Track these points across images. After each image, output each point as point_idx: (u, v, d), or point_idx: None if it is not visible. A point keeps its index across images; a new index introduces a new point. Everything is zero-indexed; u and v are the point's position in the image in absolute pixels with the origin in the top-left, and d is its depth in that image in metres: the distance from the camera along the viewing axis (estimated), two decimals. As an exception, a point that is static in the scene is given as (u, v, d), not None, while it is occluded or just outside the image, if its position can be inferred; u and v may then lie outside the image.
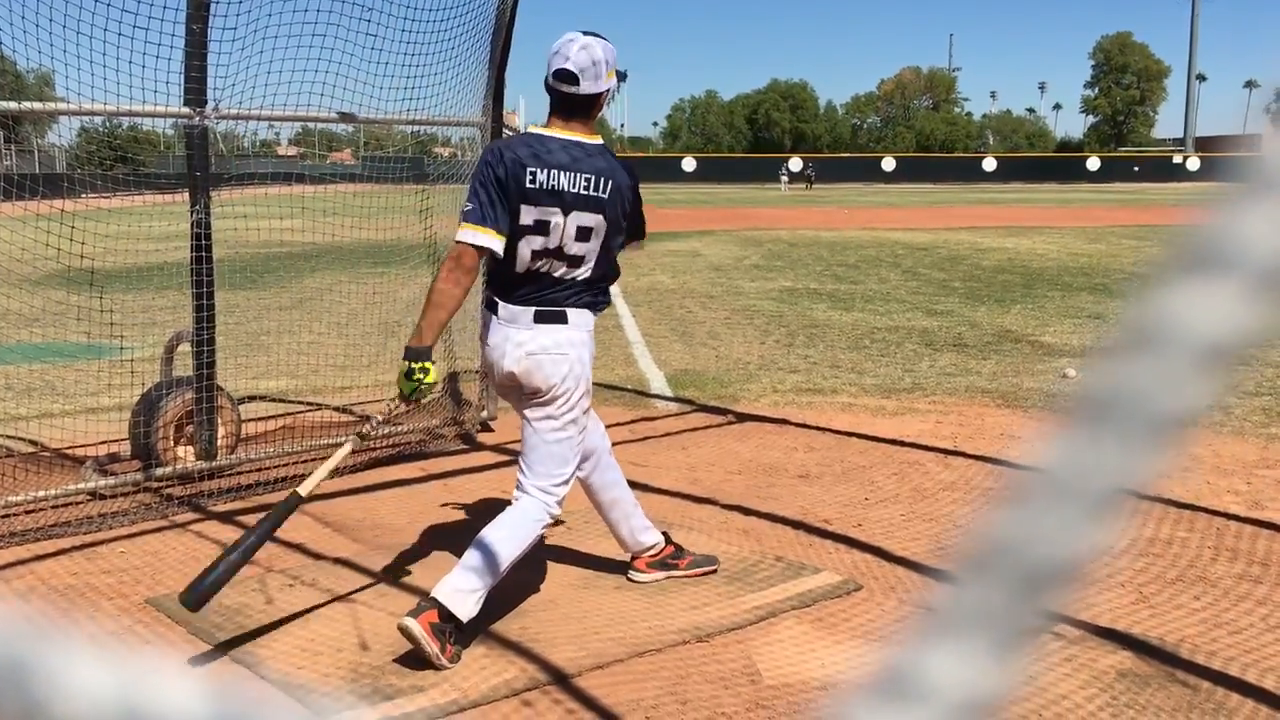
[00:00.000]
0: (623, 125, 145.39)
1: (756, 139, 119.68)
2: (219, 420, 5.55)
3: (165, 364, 5.70)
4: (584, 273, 3.80)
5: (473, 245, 3.66)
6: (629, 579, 4.32)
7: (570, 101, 3.79)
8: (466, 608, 3.56)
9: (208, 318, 5.37)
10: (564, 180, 3.72)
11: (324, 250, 6.81)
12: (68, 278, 5.35)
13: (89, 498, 5.18)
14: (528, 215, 3.71)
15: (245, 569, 4.43)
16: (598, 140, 3.87)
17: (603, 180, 3.76)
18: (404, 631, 3.50)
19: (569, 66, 3.73)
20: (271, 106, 5.53)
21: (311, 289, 12.02)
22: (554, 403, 3.80)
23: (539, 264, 3.75)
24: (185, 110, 5.18)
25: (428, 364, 3.67)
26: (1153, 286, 0.35)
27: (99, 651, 0.40)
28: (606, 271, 3.87)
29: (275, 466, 5.72)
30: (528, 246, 3.73)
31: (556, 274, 3.77)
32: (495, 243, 3.68)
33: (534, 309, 3.77)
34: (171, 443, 5.46)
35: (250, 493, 5.40)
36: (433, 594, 3.57)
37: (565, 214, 3.72)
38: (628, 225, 3.90)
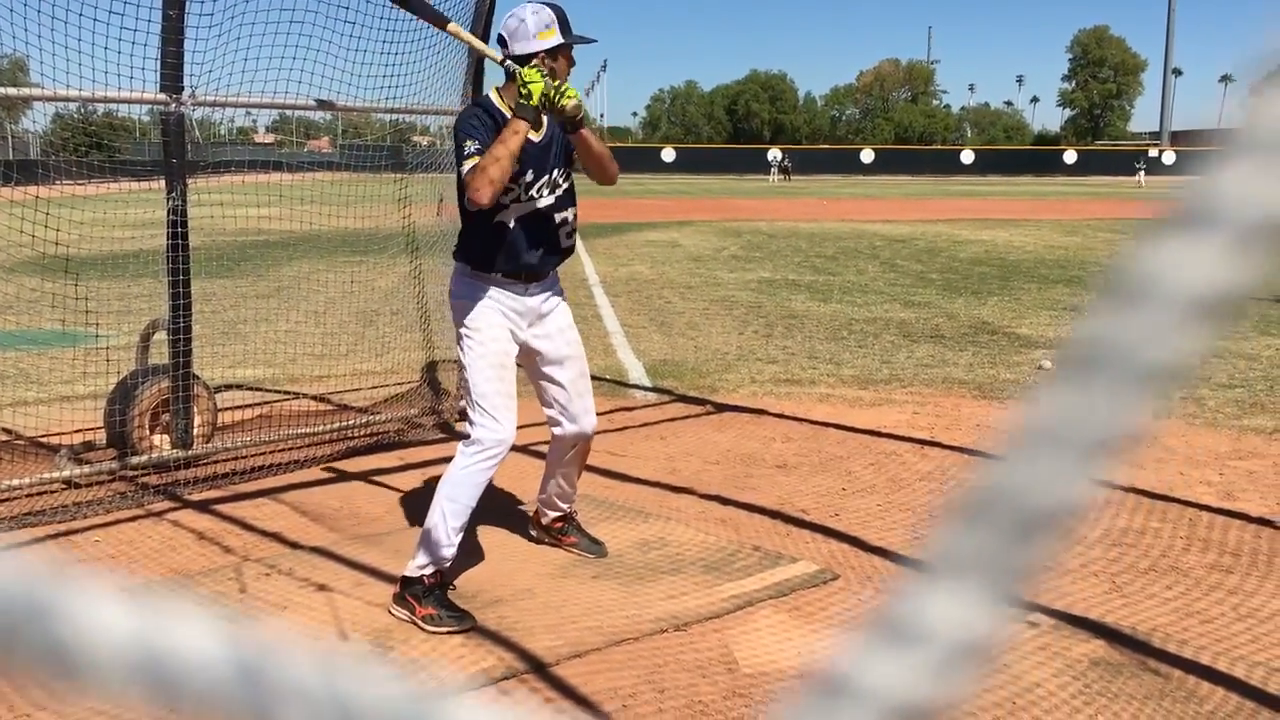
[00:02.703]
0: (602, 115, 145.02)
1: (736, 130, 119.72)
2: (195, 409, 5.52)
3: (141, 352, 5.66)
4: (461, 224, 4.08)
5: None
6: (529, 531, 4.62)
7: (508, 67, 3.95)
8: (423, 560, 3.82)
9: (184, 305, 5.34)
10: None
11: (301, 238, 6.80)
12: (42, 265, 5.31)
13: (63, 486, 5.15)
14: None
15: (221, 558, 4.42)
16: (489, 95, 4.05)
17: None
18: (391, 613, 3.86)
19: (501, 32, 3.96)
20: (249, 93, 5.49)
21: (289, 277, 11.95)
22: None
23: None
24: (161, 97, 5.14)
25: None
26: (1143, 242, 0.36)
27: (119, 595, 0.41)
28: (467, 217, 4.00)
29: (251, 455, 5.69)
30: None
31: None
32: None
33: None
34: (147, 431, 5.43)
35: (226, 481, 5.38)
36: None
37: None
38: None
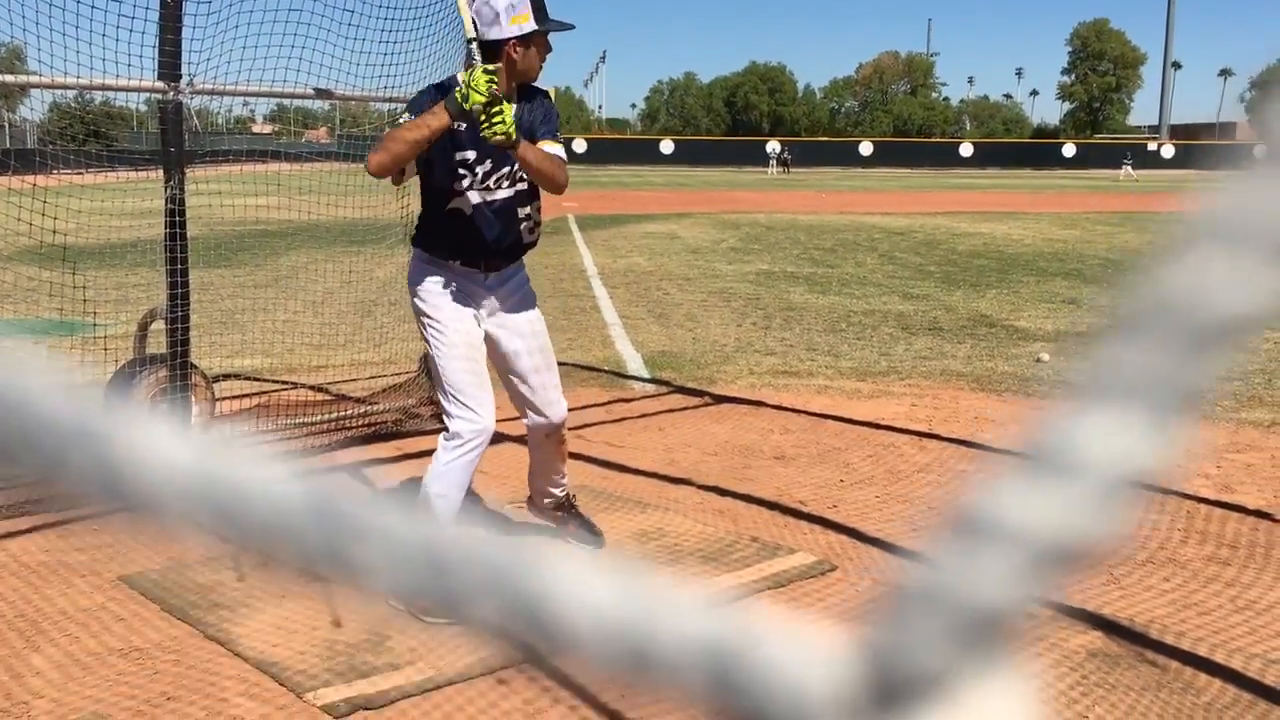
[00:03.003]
0: (600, 107, 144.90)
1: (735, 122, 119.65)
2: (193, 398, 5.51)
3: (139, 341, 5.65)
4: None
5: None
6: (522, 507, 4.58)
7: (480, 50, 3.76)
8: None
9: (182, 295, 5.33)
10: None
11: (300, 228, 6.80)
12: (40, 254, 5.30)
13: (61, 475, 5.14)
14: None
15: (219, 546, 4.42)
16: (457, 77, 3.85)
17: None
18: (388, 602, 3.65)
19: (471, 12, 3.76)
20: (247, 82, 5.48)
21: (287, 267, 11.94)
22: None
23: None
24: (159, 85, 5.12)
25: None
26: (1228, 185, 0.32)
27: (178, 427, 0.39)
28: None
29: (249, 445, 5.68)
30: None
31: None
32: None
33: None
34: (145, 420, 5.42)
35: (224, 471, 5.37)
36: None
37: None
38: None
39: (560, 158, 3.82)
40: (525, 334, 4.06)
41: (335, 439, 5.94)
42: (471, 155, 3.82)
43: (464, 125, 3.64)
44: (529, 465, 4.44)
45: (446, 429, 3.86)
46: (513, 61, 3.76)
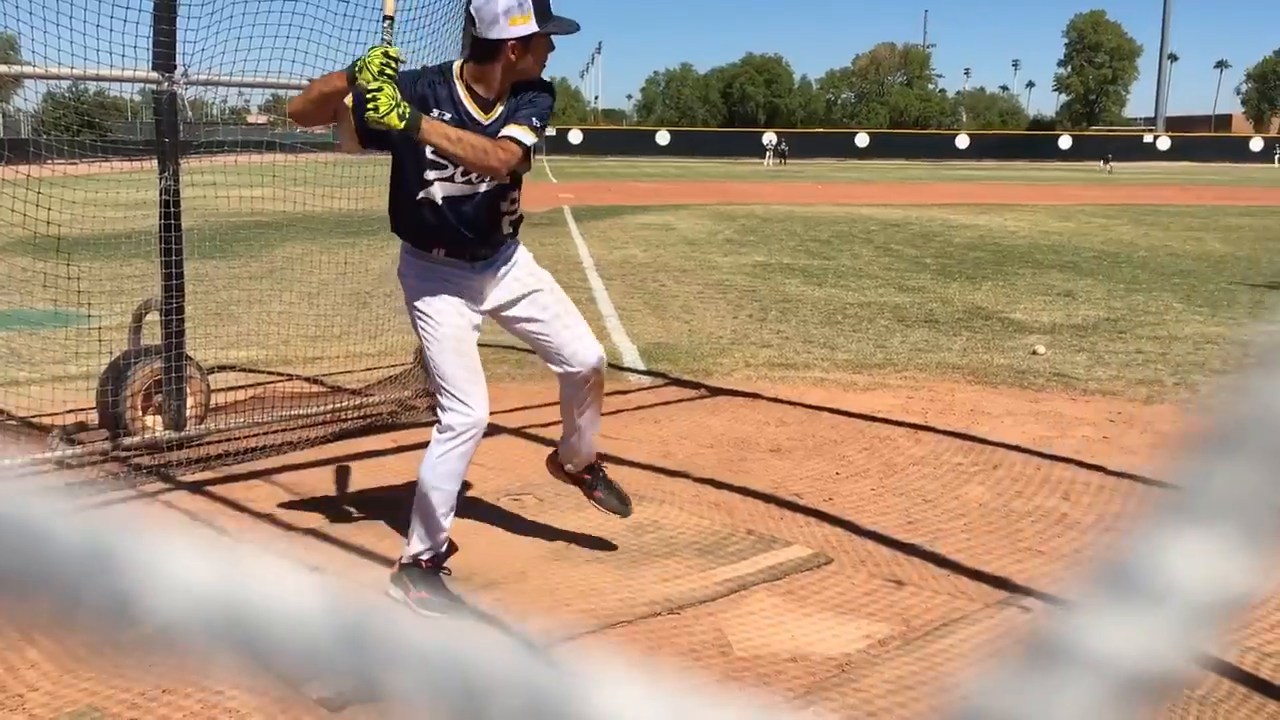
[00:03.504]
0: (597, 98, 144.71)
1: (731, 113, 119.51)
2: (188, 390, 5.50)
3: (133, 333, 5.64)
4: None
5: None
6: (545, 464, 4.50)
7: (474, 44, 3.72)
8: (415, 546, 3.83)
9: (176, 286, 5.31)
10: None
11: (295, 220, 6.76)
12: (34, 244, 5.29)
13: (56, 467, 5.13)
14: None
15: (213, 539, 4.41)
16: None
17: None
18: (387, 594, 3.81)
19: (470, 8, 3.71)
20: (242, 73, 5.46)
21: (282, 258, 11.91)
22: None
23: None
24: (154, 75, 5.10)
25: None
26: None
27: (200, 544, 0.36)
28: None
29: (245, 437, 5.68)
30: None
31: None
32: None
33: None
34: (139, 412, 5.41)
35: (219, 463, 5.37)
36: None
37: None
38: None
39: (512, 138, 3.63)
40: (535, 295, 3.96)
41: (331, 431, 5.93)
42: (437, 174, 3.74)
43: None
44: (563, 427, 4.27)
45: (439, 421, 3.84)
46: (510, 62, 3.67)
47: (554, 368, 4.06)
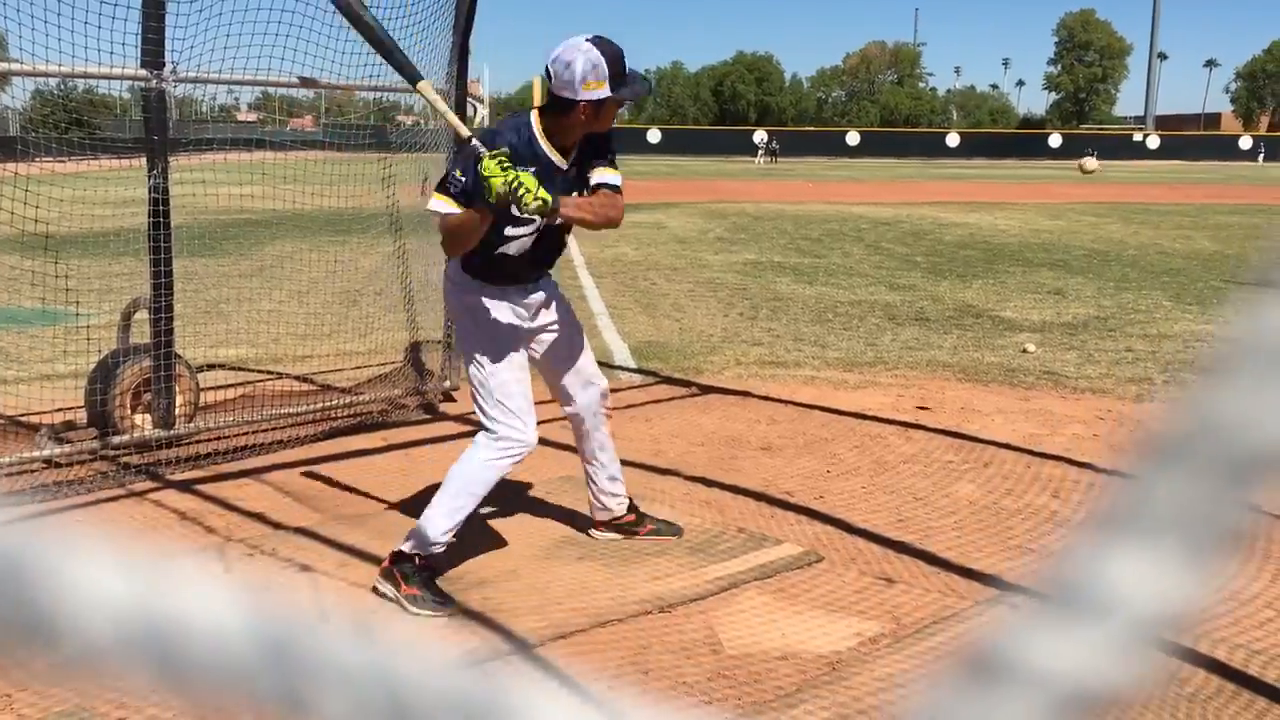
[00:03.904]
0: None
1: (722, 111, 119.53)
2: (177, 388, 5.48)
3: (122, 331, 5.61)
4: None
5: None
6: (588, 534, 4.46)
7: (551, 95, 3.87)
8: (420, 541, 3.80)
9: (165, 284, 5.29)
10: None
11: (284, 217, 6.73)
12: (22, 242, 5.26)
13: (44, 465, 5.11)
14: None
15: (203, 538, 4.40)
16: (529, 117, 3.90)
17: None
18: (375, 590, 3.83)
19: (548, 63, 3.82)
20: (231, 70, 5.43)
21: (271, 256, 11.88)
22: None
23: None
24: (142, 73, 5.08)
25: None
26: None
27: (117, 556, 0.35)
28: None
29: (234, 435, 5.66)
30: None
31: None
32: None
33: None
34: (128, 411, 5.39)
35: (208, 461, 5.35)
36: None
37: None
38: None
39: (612, 186, 3.95)
40: (568, 323, 4.23)
41: (321, 430, 5.92)
42: (522, 230, 3.89)
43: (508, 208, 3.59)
44: (588, 477, 4.40)
45: (490, 430, 3.91)
46: (582, 121, 3.83)
47: (570, 396, 4.26)
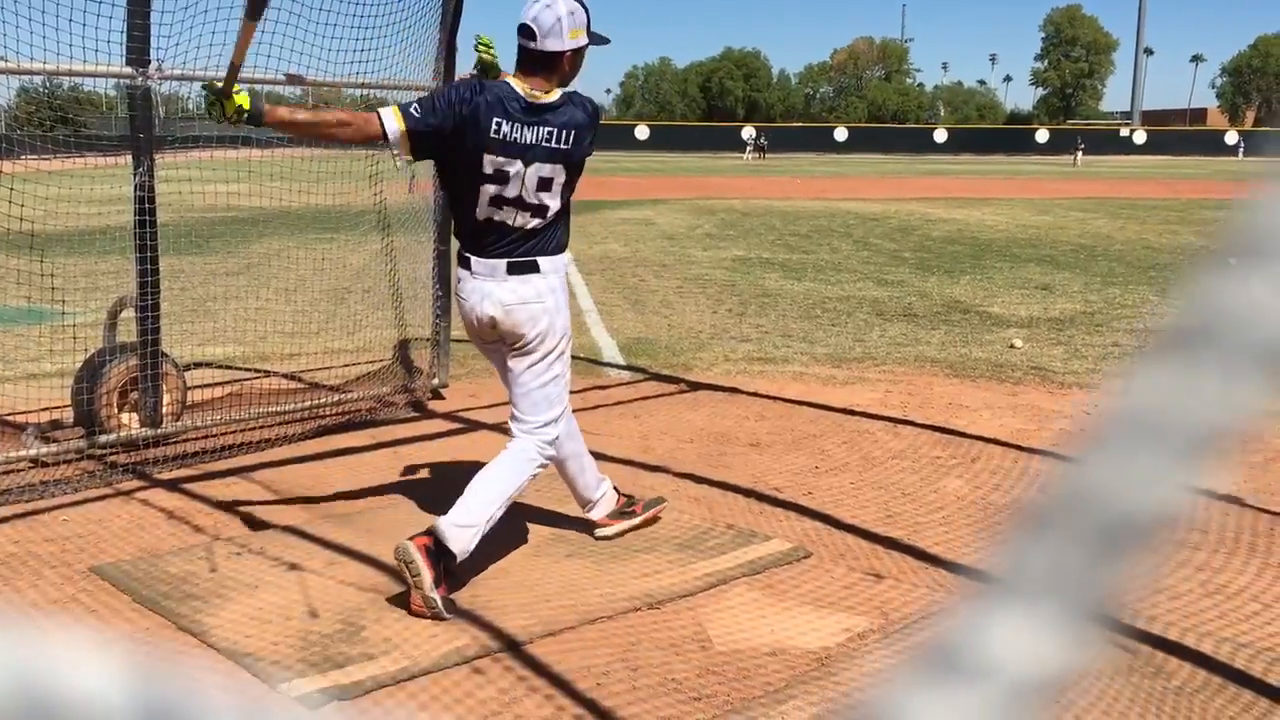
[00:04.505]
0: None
1: (710, 107, 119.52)
2: (164, 387, 5.46)
3: (108, 329, 5.59)
4: (545, 220, 3.95)
5: (384, 125, 3.90)
6: (595, 537, 4.41)
7: (529, 57, 3.91)
8: (461, 541, 3.70)
9: (152, 283, 5.27)
10: (529, 134, 3.86)
11: (271, 215, 6.73)
12: (7, 240, 5.23)
13: (30, 465, 5.09)
14: (489, 164, 3.86)
15: (191, 537, 4.38)
16: (554, 96, 3.95)
17: (563, 132, 3.90)
18: (400, 554, 3.62)
19: (527, 21, 3.86)
20: (217, 67, 5.40)
21: (258, 254, 11.84)
22: (538, 350, 3.98)
23: (500, 213, 3.90)
24: (127, 70, 5.06)
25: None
26: (1259, 202, 0.31)
27: None
28: (564, 208, 4.01)
29: (221, 434, 5.65)
30: (486, 194, 3.88)
31: (518, 223, 3.92)
32: (395, 129, 3.90)
33: (505, 261, 3.92)
34: (115, 409, 5.37)
35: (196, 460, 5.33)
36: (431, 525, 3.72)
37: (526, 165, 3.86)
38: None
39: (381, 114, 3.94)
40: None
41: (309, 428, 5.90)
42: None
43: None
44: (571, 476, 4.39)
45: (543, 439, 4.00)
46: (565, 72, 3.94)
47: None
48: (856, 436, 5.89)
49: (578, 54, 3.95)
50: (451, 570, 3.72)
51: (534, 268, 3.93)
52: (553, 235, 3.97)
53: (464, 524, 3.72)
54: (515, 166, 3.85)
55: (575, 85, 4.06)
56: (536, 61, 3.89)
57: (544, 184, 3.89)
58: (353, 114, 4.05)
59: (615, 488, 4.52)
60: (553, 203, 3.92)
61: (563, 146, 3.89)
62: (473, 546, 3.75)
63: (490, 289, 3.92)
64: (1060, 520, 0.30)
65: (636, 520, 4.45)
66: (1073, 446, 0.31)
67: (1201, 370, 0.30)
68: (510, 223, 3.90)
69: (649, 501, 4.56)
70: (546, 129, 3.86)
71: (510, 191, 3.87)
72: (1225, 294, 0.31)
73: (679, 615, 3.72)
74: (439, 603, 3.58)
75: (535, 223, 3.92)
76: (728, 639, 3.55)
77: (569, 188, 3.98)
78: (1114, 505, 0.30)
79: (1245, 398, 0.30)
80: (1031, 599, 0.30)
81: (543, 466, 4.04)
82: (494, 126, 3.83)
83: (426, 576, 3.57)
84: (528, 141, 3.85)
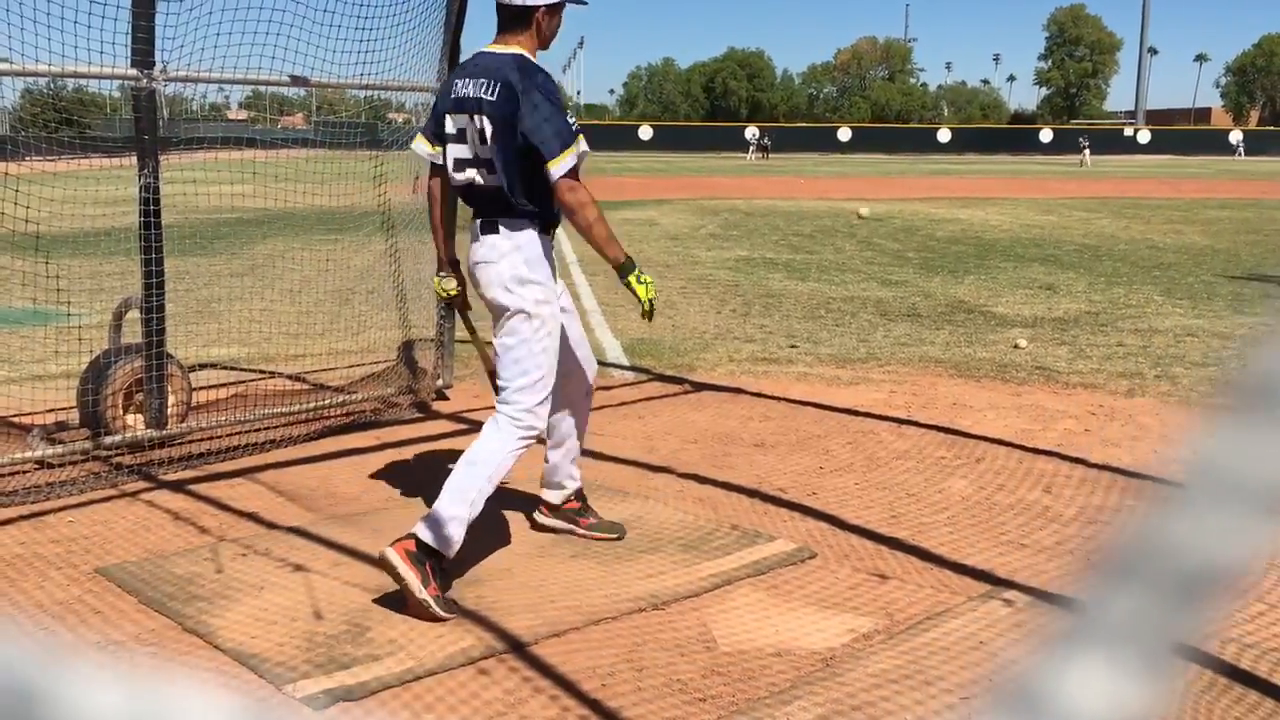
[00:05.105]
0: (579, 93, 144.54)
1: (713, 108, 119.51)
2: (169, 388, 5.47)
3: (114, 331, 5.60)
4: (500, 180, 3.87)
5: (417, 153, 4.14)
6: (531, 518, 4.49)
7: (502, 14, 3.95)
8: (443, 537, 3.66)
9: (157, 284, 5.28)
10: (471, 87, 3.90)
11: (276, 216, 6.73)
12: (12, 242, 5.24)
13: (36, 466, 5.10)
14: (450, 124, 3.96)
15: (197, 538, 4.39)
16: (514, 50, 3.94)
17: (492, 83, 3.87)
18: (382, 562, 3.61)
19: None
20: (221, 69, 5.42)
21: (263, 255, 11.86)
22: (501, 313, 3.96)
23: (464, 174, 3.97)
24: (132, 72, 5.07)
25: None
26: None
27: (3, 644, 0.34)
28: (530, 185, 3.87)
29: (226, 435, 5.65)
30: (453, 155, 3.98)
31: (481, 183, 3.94)
32: (422, 147, 4.08)
33: (479, 221, 3.99)
34: (120, 411, 5.38)
35: (201, 461, 5.34)
36: (413, 529, 3.69)
37: (472, 119, 3.89)
38: (527, 133, 3.81)
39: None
40: (567, 295, 4.28)
41: (314, 429, 5.91)
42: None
43: None
44: (549, 454, 4.40)
45: (519, 420, 3.87)
46: (542, 28, 3.94)
47: (569, 370, 4.22)
48: (861, 437, 5.88)
49: (553, 11, 3.94)
50: (446, 567, 3.72)
51: (494, 229, 3.93)
52: (512, 201, 3.88)
53: (445, 518, 3.68)
54: (463, 122, 3.91)
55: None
56: (510, 19, 3.92)
57: (484, 137, 3.88)
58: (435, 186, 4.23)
59: (580, 493, 4.47)
60: (497, 159, 3.85)
61: (488, 97, 3.84)
62: (459, 537, 3.69)
63: (472, 248, 4.02)
64: (1142, 569, 0.31)
65: (577, 531, 4.42)
66: (1159, 497, 0.32)
67: (1277, 427, 0.30)
68: (476, 182, 3.95)
69: (600, 524, 4.43)
70: (482, 79, 3.87)
71: (467, 151, 3.94)
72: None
73: (684, 616, 3.72)
74: (432, 603, 3.57)
75: (492, 181, 3.89)
76: (733, 640, 3.55)
77: (514, 152, 3.83)
78: (1194, 556, 0.31)
79: None
80: (1112, 644, 0.31)
81: (523, 443, 3.88)
82: (454, 88, 3.95)
83: (413, 581, 3.56)
84: (469, 94, 3.88)
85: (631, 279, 3.93)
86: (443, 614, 3.58)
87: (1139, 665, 0.30)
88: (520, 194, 3.89)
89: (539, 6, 3.89)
